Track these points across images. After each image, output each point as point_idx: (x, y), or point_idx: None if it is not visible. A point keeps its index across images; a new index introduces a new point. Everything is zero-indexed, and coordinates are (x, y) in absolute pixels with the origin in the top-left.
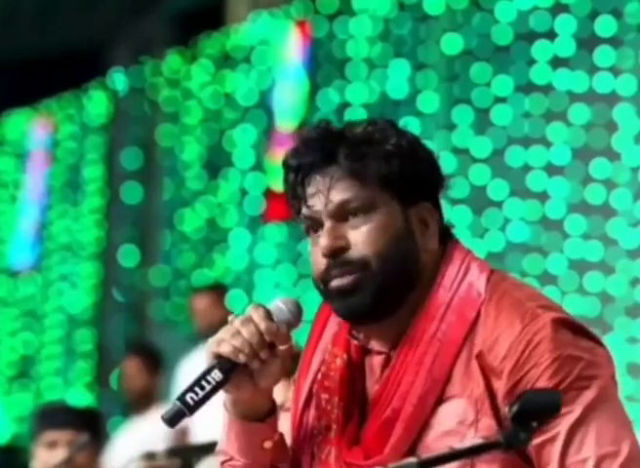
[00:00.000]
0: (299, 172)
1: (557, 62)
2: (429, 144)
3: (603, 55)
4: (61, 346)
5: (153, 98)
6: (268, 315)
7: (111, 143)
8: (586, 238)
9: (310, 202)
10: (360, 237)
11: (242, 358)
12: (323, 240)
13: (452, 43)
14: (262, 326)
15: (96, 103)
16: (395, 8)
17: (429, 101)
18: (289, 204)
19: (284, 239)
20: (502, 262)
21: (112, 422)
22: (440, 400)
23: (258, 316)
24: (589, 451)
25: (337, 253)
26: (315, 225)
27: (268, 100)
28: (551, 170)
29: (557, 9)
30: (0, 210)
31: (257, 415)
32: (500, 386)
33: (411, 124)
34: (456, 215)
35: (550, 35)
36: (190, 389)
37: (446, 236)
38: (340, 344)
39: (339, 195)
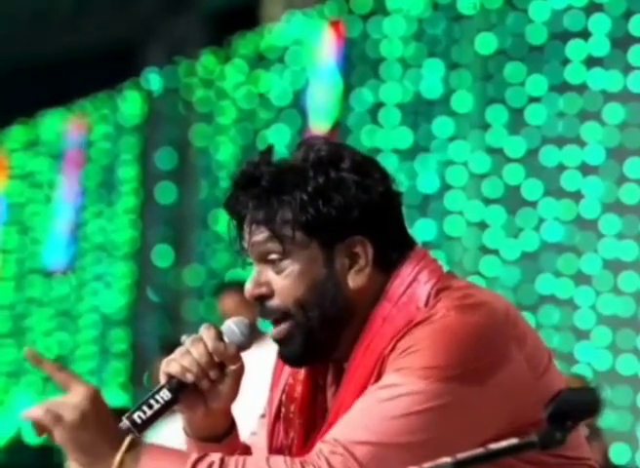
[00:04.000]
0: (229, 211)
1: (591, 62)
2: (463, 144)
3: (637, 54)
4: (96, 346)
5: (187, 99)
6: (219, 335)
7: (146, 144)
8: (621, 238)
9: (244, 241)
10: (279, 285)
11: (190, 377)
12: (246, 285)
13: (486, 43)
14: (210, 345)
15: (130, 104)
16: (429, 8)
17: (463, 101)
18: None
19: None
20: (537, 262)
21: None
22: None
23: (207, 336)
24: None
25: (257, 301)
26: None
27: (302, 100)
28: (585, 169)
29: (591, 8)
30: (35, 210)
31: (212, 436)
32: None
33: (445, 124)
34: (490, 215)
35: (584, 34)
36: (139, 408)
37: (396, 259)
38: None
39: (255, 241)
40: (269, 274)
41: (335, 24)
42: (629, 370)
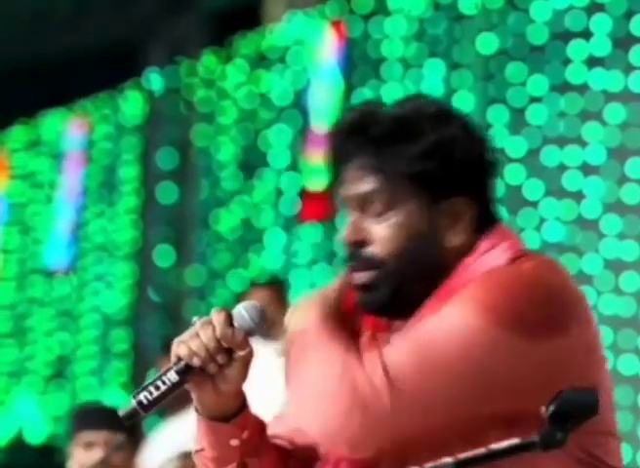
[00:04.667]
0: (334, 158)
1: (593, 62)
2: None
3: (639, 54)
4: (97, 346)
5: (189, 99)
6: (228, 320)
7: (147, 144)
8: (622, 238)
9: (343, 187)
10: (378, 234)
11: (196, 361)
12: (343, 231)
13: (487, 42)
14: (218, 331)
15: (131, 104)
16: (430, 7)
17: (464, 101)
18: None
19: (319, 239)
20: None
21: (148, 422)
22: None
23: (217, 320)
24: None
25: (354, 247)
26: (346, 208)
27: (303, 100)
28: (587, 169)
29: (593, 8)
30: (36, 210)
31: (222, 416)
32: None
33: None
34: None
35: (586, 34)
36: (146, 388)
37: (489, 224)
38: (367, 320)
39: (361, 188)
40: (370, 223)
41: (336, 24)
42: (630, 370)
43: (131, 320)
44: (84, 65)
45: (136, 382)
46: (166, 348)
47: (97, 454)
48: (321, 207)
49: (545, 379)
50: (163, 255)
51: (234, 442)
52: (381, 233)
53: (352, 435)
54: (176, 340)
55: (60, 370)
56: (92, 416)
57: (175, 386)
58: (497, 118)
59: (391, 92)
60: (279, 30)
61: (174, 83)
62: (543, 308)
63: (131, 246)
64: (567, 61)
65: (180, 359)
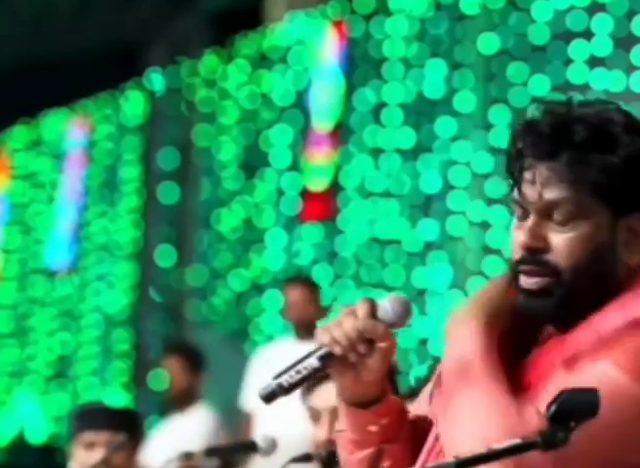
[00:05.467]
0: (520, 156)
1: (594, 62)
2: (466, 144)
3: None
4: (98, 346)
5: (190, 99)
6: (372, 311)
7: (148, 144)
8: None
9: (523, 188)
10: (560, 243)
11: (338, 350)
12: (522, 235)
13: (488, 43)
14: (360, 323)
15: (132, 104)
16: (432, 8)
17: (466, 101)
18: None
19: (321, 239)
20: None
21: (149, 422)
22: None
23: (361, 310)
24: None
25: (531, 253)
26: (521, 211)
27: (305, 101)
28: None
29: (594, 8)
30: (37, 210)
31: (361, 402)
32: None
33: (447, 124)
34: (492, 215)
35: (587, 34)
36: (288, 371)
37: None
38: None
39: (551, 194)
40: (551, 231)
41: (337, 24)
42: None
43: (132, 320)
44: (85, 65)
45: (137, 382)
46: (170, 347)
47: (98, 454)
48: (322, 207)
49: None
50: (164, 255)
51: (373, 428)
52: (564, 243)
53: None
54: (320, 327)
55: (61, 370)
56: (93, 416)
57: (315, 372)
58: (498, 118)
59: (393, 92)
60: (280, 30)
61: (175, 83)
62: None
63: (132, 246)
64: (568, 61)
65: (322, 345)
